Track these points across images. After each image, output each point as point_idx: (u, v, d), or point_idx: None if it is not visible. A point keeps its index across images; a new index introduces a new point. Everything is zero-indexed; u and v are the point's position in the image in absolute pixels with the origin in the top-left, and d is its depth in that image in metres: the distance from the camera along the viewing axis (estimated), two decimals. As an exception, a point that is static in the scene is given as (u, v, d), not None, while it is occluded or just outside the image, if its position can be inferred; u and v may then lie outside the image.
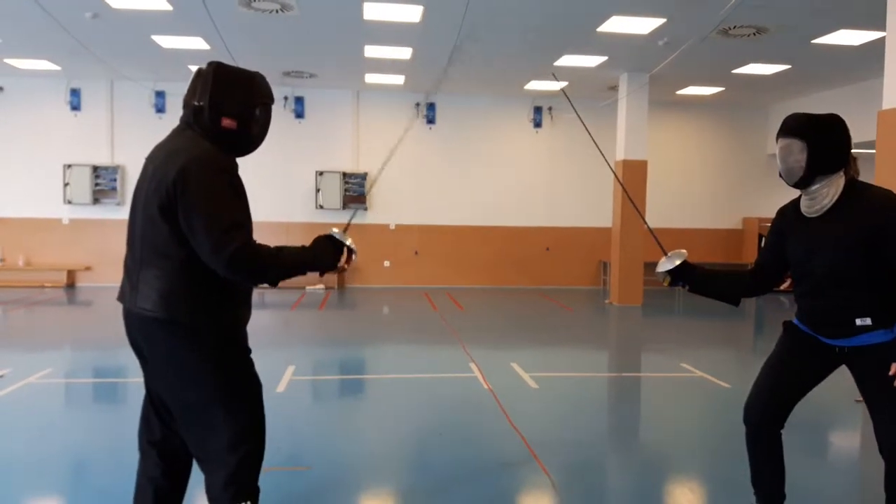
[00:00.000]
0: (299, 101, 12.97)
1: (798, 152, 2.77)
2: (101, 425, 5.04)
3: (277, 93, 12.71)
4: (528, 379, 6.20)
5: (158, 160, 2.50)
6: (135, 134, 12.45)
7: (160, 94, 12.48)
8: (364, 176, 13.17)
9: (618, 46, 9.41)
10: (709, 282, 3.11)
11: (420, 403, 5.56)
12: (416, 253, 13.49)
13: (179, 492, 2.78)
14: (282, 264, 2.51)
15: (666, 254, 3.10)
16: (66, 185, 12.42)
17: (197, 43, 9.55)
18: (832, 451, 4.86)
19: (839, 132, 2.81)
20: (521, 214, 13.60)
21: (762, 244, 3.11)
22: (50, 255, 12.43)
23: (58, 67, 11.33)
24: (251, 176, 12.59)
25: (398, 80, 11.97)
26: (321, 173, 12.95)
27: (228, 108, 2.54)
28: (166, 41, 9.52)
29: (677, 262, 3.03)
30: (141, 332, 2.54)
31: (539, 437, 4.59)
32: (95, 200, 12.48)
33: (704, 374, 6.54)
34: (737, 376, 6.53)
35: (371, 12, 8.04)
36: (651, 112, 11.63)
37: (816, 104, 12.46)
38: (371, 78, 11.92)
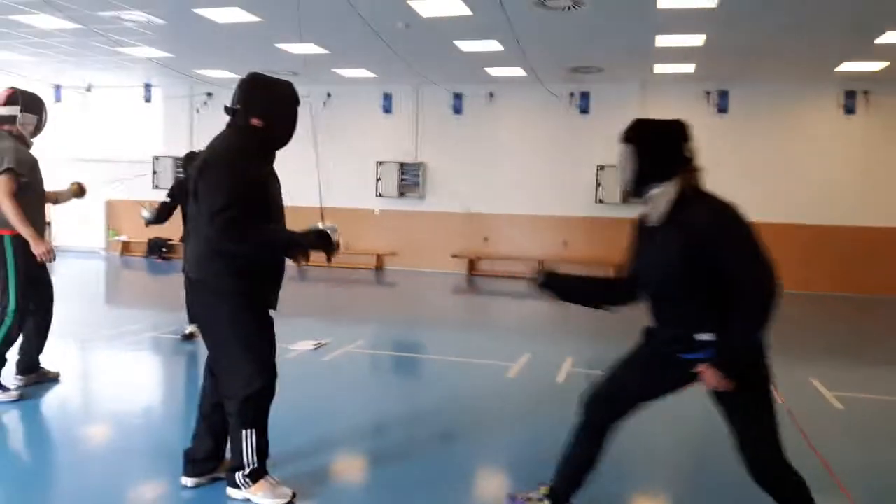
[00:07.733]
0: (584, 96, 13.03)
1: (629, 158, 2.71)
2: (395, 391, 5.72)
3: (564, 89, 12.96)
4: (831, 398, 5.62)
5: (203, 152, 3.21)
6: (435, 134, 13.61)
7: (458, 97, 13.41)
8: (649, 169, 12.82)
9: (962, 15, 7.99)
10: (576, 290, 3.06)
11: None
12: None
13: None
14: (260, 234, 3.06)
15: None
16: (377, 179, 14.00)
17: (492, 45, 10.14)
18: None
19: (672, 139, 2.60)
20: (829, 211, 12.16)
21: None
22: (363, 241, 14.03)
23: (374, 75, 12.80)
24: (535, 173, 12.90)
25: (689, 68, 11.48)
26: (602, 168, 12.90)
27: (256, 110, 3.13)
28: (466, 45, 10.24)
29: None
30: (189, 290, 3.32)
31: (843, 462, 4.16)
32: (401, 194, 13.88)
33: None
34: None
35: (665, 1, 7.83)
36: None
37: None
38: (660, 68, 11.59)
